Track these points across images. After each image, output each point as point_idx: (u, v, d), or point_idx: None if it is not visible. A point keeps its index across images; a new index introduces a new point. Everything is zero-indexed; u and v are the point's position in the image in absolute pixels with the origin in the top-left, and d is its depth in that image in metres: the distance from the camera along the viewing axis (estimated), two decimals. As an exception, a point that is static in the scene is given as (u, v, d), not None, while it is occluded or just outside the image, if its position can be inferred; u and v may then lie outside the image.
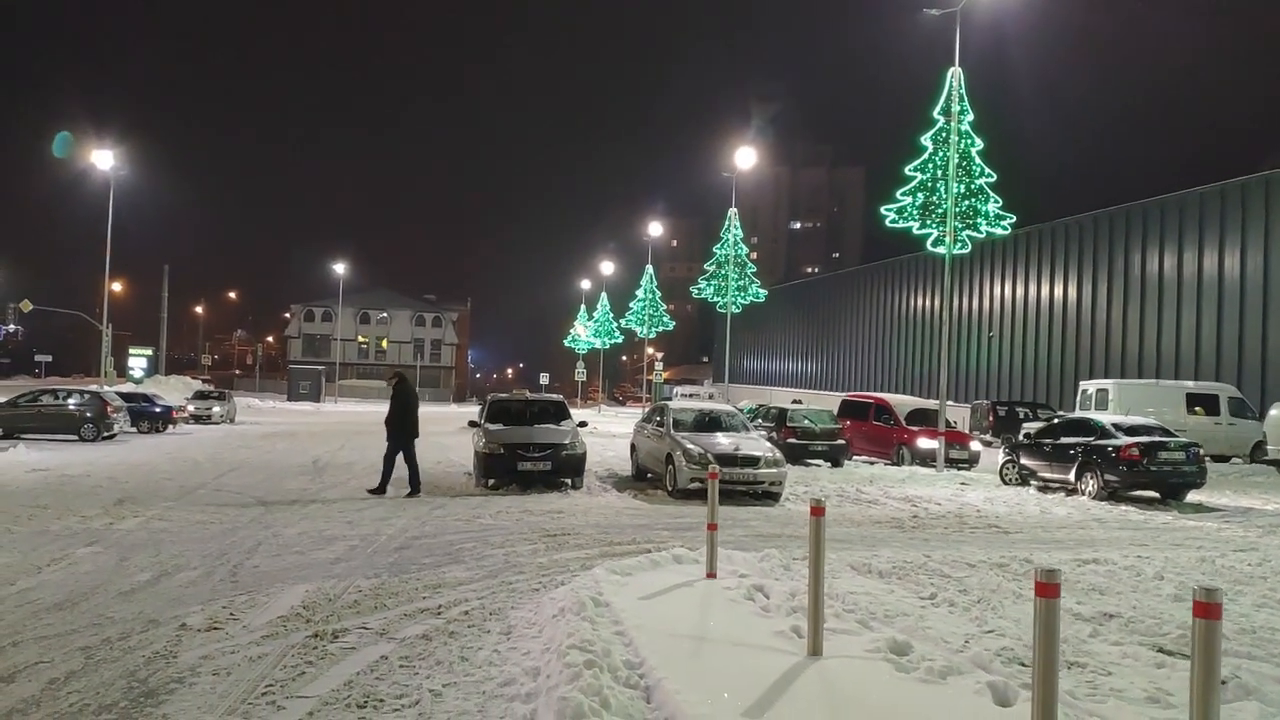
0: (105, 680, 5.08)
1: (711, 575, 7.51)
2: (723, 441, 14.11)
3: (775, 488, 13.81)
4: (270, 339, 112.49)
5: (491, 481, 14.39)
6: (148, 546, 9.17)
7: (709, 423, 15.25)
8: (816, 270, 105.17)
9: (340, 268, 69.60)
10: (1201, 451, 16.31)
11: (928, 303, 50.39)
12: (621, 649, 5.29)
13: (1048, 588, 3.47)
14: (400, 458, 13.78)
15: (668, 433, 14.66)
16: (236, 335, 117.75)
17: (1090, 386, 28.10)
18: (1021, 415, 35.18)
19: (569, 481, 14.61)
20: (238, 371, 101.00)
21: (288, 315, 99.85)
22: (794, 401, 30.24)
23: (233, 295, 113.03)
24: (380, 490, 13.52)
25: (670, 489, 14.04)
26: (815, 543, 5.48)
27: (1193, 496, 16.34)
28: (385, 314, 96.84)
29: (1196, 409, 25.71)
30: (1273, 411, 23.67)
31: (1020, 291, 43.09)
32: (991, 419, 34.00)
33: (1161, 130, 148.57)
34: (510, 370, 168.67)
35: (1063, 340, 40.18)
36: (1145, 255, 35.80)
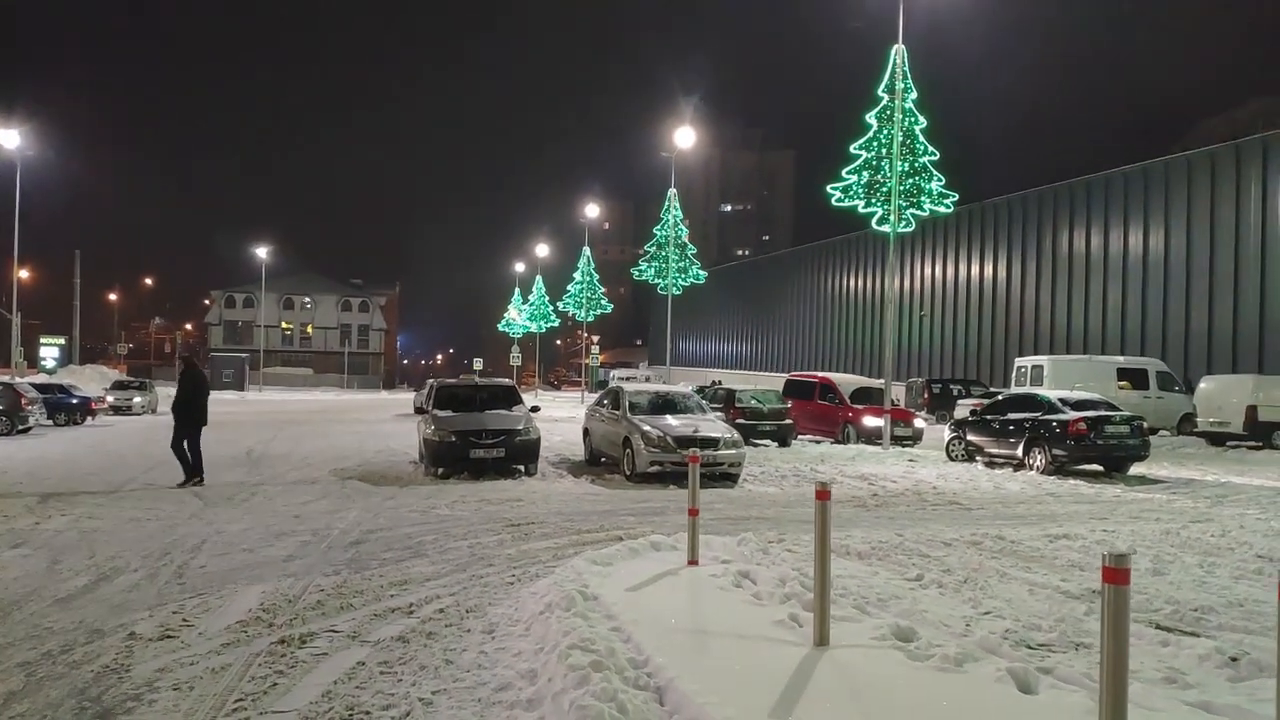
0: (52, 701, 4.56)
1: (693, 562, 7.23)
2: (680, 424, 13.85)
3: (734, 469, 13.61)
4: (189, 326, 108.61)
5: (442, 470, 13.89)
6: (80, 547, 8.50)
7: (665, 405, 14.96)
8: (747, 253, 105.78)
9: (263, 251, 67.39)
10: (1145, 425, 16.64)
11: (862, 282, 50.95)
12: (622, 646, 4.96)
13: (1117, 574, 3.23)
14: (187, 444, 13.00)
15: (624, 416, 14.33)
16: (154, 323, 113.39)
17: (1025, 362, 28.64)
18: (955, 392, 35.81)
19: (523, 468, 14.19)
20: (155, 361, 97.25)
21: (208, 302, 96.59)
22: (713, 382, 30.13)
23: (149, 281, 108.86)
24: (191, 480, 12.78)
25: (628, 473, 13.73)
26: (821, 528, 5.21)
27: (1135, 469, 16.68)
28: (310, 299, 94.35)
29: (1125, 383, 26.37)
30: (1202, 385, 24.39)
31: (950, 271, 43.81)
32: (926, 396, 34.53)
33: (1098, 105, 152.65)
34: (440, 356, 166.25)
35: (993, 318, 41.00)
36: (1073, 234, 36.65)
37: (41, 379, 33.42)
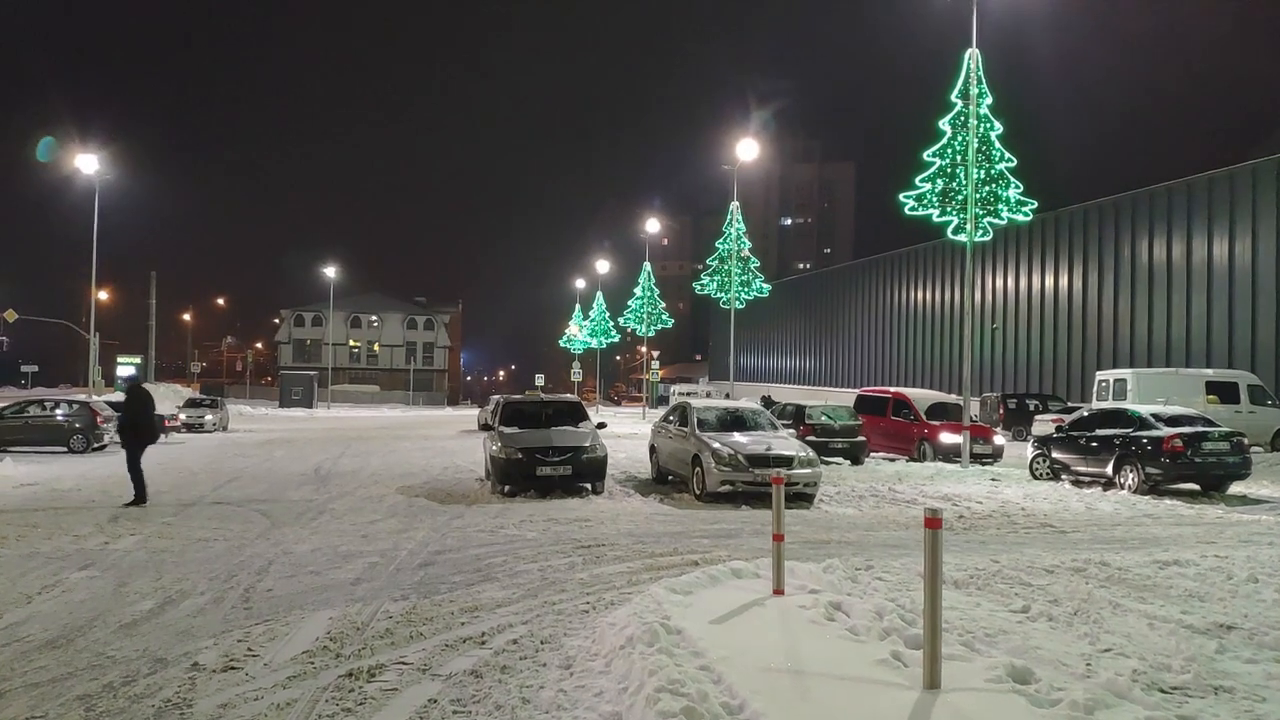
0: (110, 741, 4.31)
1: (779, 592, 6.78)
2: (752, 441, 13.37)
3: (810, 489, 13.07)
4: (259, 345, 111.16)
5: (508, 488, 13.62)
6: (148, 569, 8.38)
7: (734, 421, 14.48)
8: (808, 266, 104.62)
9: (330, 271, 68.58)
10: (1246, 441, 15.67)
11: (932, 294, 49.76)
12: (714, 689, 4.54)
13: None
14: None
15: (692, 433, 13.90)
16: (226, 342, 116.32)
17: (1107, 376, 27.46)
18: (1031, 407, 34.57)
19: (589, 486, 13.85)
20: (227, 379, 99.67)
21: (277, 320, 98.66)
22: (763, 397, 29.50)
23: (221, 301, 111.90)
24: (136, 501, 12.54)
25: (698, 492, 13.29)
26: (932, 560, 4.73)
27: (1234, 488, 15.72)
28: (376, 317, 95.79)
29: (1214, 396, 25.09)
30: (1300, 398, 23.06)
31: (1024, 281, 42.50)
32: (1002, 412, 33.42)
33: (1185, 111, 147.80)
34: (502, 372, 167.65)
35: (1069, 330, 39.60)
36: (1153, 242, 35.23)
37: (118, 397, 34.23)
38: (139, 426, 13.02)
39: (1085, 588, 7.70)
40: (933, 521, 4.83)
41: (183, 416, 33.20)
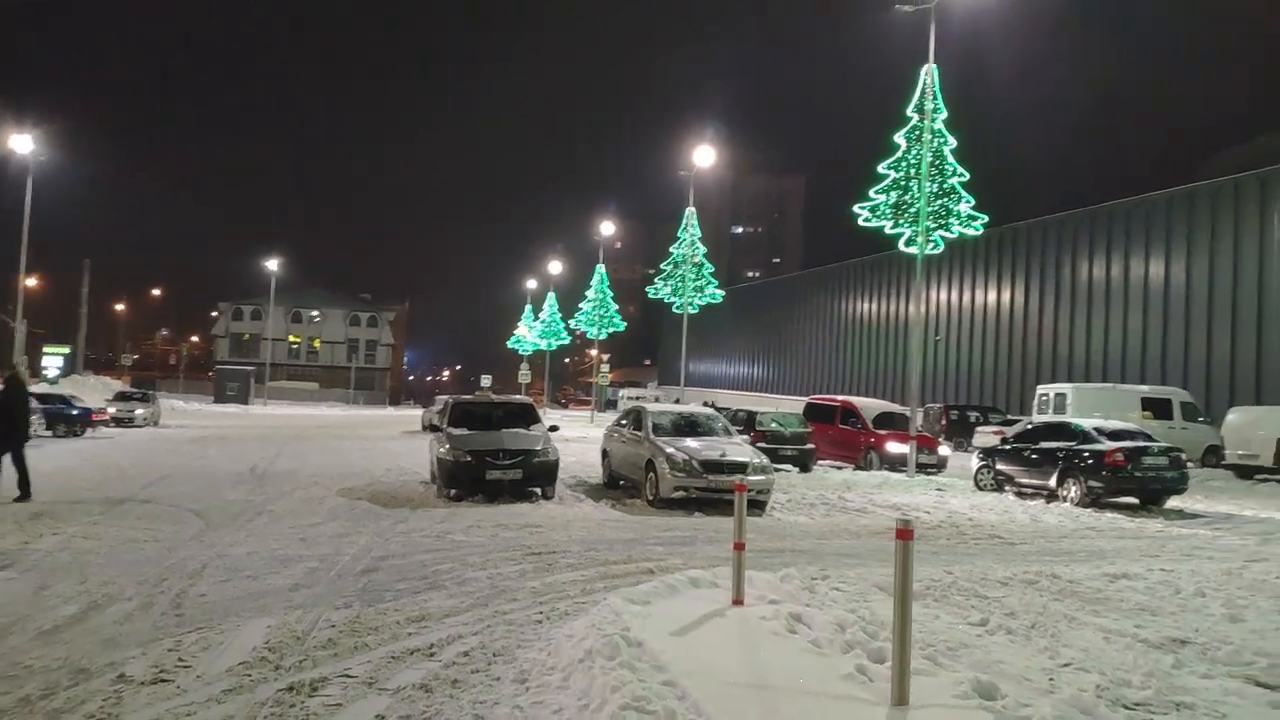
0: (26, 761, 3.97)
1: (738, 602, 6.63)
2: (706, 447, 13.23)
3: (763, 496, 12.99)
4: (195, 338, 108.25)
5: (455, 492, 13.28)
6: (71, 571, 7.92)
7: (689, 426, 14.34)
8: (757, 275, 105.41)
9: (272, 264, 66.99)
10: (1184, 457, 16.00)
11: (880, 305, 50.39)
12: (680, 706, 4.36)
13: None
14: (9, 459, 12.29)
15: (646, 437, 13.71)
16: (160, 334, 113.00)
17: (1047, 390, 28.00)
18: (972, 419, 35.17)
19: (539, 491, 13.57)
20: (160, 373, 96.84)
21: (215, 314, 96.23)
22: (704, 403, 29.45)
23: (157, 292, 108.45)
24: (21, 497, 12.06)
25: (651, 498, 13.11)
26: (903, 572, 4.60)
27: (1171, 503, 16.04)
28: (318, 313, 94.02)
29: (1148, 413, 25.70)
30: (1230, 417, 23.75)
31: (967, 295, 43.24)
32: (944, 422, 33.89)
33: (1131, 130, 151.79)
34: (447, 372, 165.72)
35: (1010, 344, 40.37)
36: (1092, 260, 36.09)
37: (43, 389, 32.92)
38: (14, 422, 12.34)
39: (1040, 600, 7.69)
40: (904, 533, 4.71)
41: (112, 410, 32.02)
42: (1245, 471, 22.54)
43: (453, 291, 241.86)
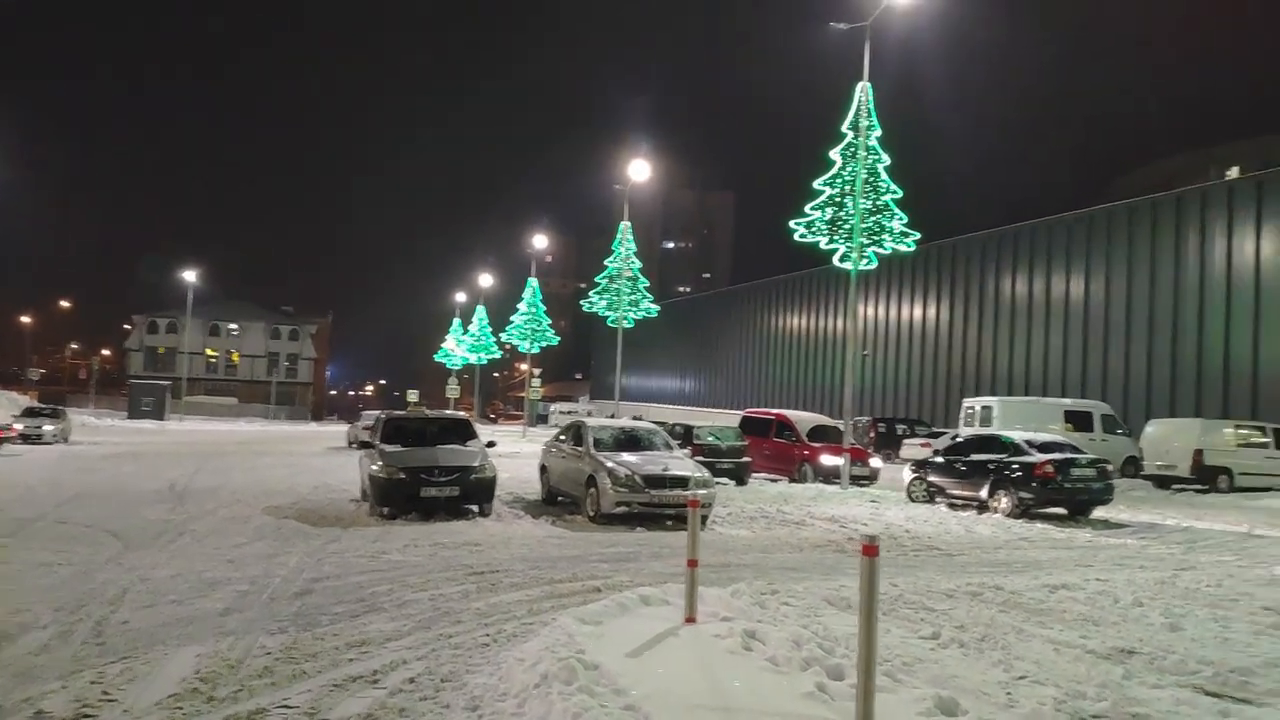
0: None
1: (691, 620, 6.50)
2: (648, 461, 13.10)
3: (705, 510, 12.88)
4: (107, 352, 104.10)
5: (388, 510, 12.87)
6: (-21, 599, 7.39)
7: (630, 441, 14.18)
8: (688, 290, 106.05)
9: (190, 275, 64.81)
10: (1110, 468, 16.44)
11: (811, 320, 51.06)
12: (644, 732, 4.19)
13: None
14: None
15: (587, 452, 13.51)
16: (69, 347, 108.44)
17: (974, 403, 28.62)
18: (900, 431, 35.83)
19: (476, 508, 13.25)
20: (69, 387, 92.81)
21: (128, 326, 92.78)
22: (633, 417, 29.40)
23: (66, 304, 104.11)
24: None
25: (592, 514, 12.91)
26: (869, 590, 4.51)
27: (1096, 513, 16.44)
28: (237, 326, 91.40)
29: (1070, 425, 26.46)
30: (1149, 428, 24.56)
31: (894, 311, 44.12)
32: (873, 435, 34.41)
33: (1056, 146, 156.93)
34: (371, 387, 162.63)
35: (935, 358, 41.27)
36: (1016, 277, 37.15)
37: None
38: None
39: (987, 613, 7.74)
40: (870, 549, 4.62)
41: (19, 427, 30.50)
42: (1163, 481, 23.33)
43: (378, 305, 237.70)
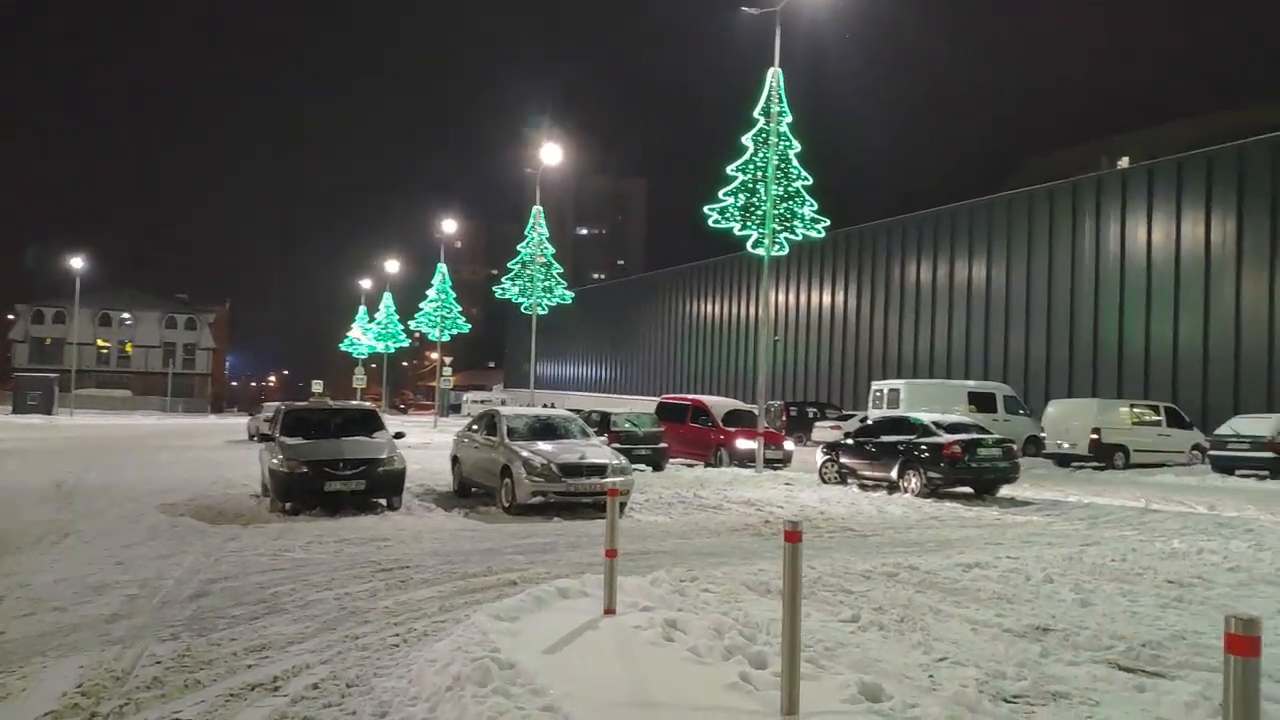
0: None
1: (610, 611, 6.32)
2: (564, 450, 12.87)
3: (623, 498, 12.73)
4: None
5: (291, 505, 12.33)
6: None
7: (545, 429, 13.90)
8: (602, 276, 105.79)
9: (77, 262, 61.54)
10: (1015, 447, 16.89)
11: (725, 306, 51.44)
12: (564, 733, 3.99)
13: (1245, 643, 2.56)
14: None
15: (501, 442, 13.19)
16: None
17: (882, 386, 29.22)
18: (811, 415, 36.42)
19: (384, 502, 12.81)
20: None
21: (11, 317, 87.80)
22: (546, 405, 29.32)
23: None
24: None
25: (507, 505, 12.61)
26: (792, 578, 4.41)
27: (1002, 491, 16.89)
28: (129, 315, 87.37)
29: (974, 406, 27.25)
30: (1050, 409, 25.43)
31: (804, 297, 44.76)
32: (785, 419, 34.85)
33: (960, 132, 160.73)
34: (274, 377, 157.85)
35: (843, 343, 42.05)
36: (920, 263, 38.06)
37: None
38: None
39: (904, 594, 7.77)
40: (792, 535, 4.52)
41: (-113, 425, 28.48)
42: (1063, 460, 24.22)
43: (280, 293, 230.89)
